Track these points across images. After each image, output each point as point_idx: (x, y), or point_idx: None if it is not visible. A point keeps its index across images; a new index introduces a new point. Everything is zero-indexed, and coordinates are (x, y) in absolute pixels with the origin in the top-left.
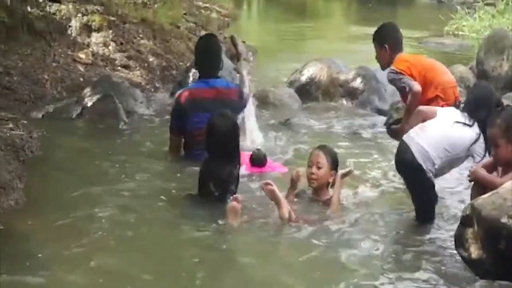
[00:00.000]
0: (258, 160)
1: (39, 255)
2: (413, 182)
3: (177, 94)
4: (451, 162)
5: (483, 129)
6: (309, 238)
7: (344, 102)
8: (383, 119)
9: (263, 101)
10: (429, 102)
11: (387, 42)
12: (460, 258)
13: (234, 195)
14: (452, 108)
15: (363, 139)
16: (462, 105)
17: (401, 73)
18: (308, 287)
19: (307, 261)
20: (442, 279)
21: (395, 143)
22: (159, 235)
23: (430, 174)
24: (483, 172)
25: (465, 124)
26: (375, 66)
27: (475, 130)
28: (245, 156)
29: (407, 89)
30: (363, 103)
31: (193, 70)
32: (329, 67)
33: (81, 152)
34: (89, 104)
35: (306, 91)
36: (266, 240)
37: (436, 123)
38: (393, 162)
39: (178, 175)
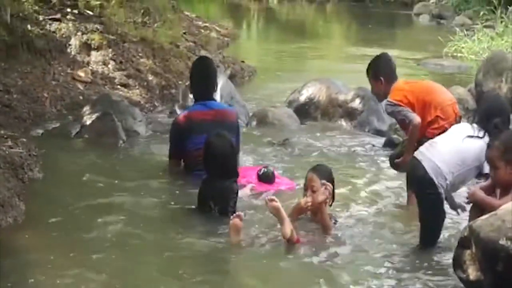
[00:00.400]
0: (266, 177)
1: (38, 273)
2: (424, 197)
3: (176, 118)
4: (463, 176)
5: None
6: (308, 258)
7: (343, 122)
8: (381, 139)
9: (262, 121)
10: (429, 124)
11: (381, 74)
12: (458, 279)
13: (237, 213)
14: (463, 124)
15: (361, 159)
16: (471, 118)
17: (398, 105)
18: None
19: (304, 281)
20: None
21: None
22: (158, 252)
23: (441, 190)
24: (481, 194)
25: (476, 137)
26: None
27: (485, 140)
28: (250, 172)
29: (407, 121)
30: (362, 123)
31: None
32: (328, 87)
33: (80, 170)
34: (88, 122)
35: (305, 111)
36: (265, 260)
37: (446, 139)
38: (389, 182)
39: (177, 192)
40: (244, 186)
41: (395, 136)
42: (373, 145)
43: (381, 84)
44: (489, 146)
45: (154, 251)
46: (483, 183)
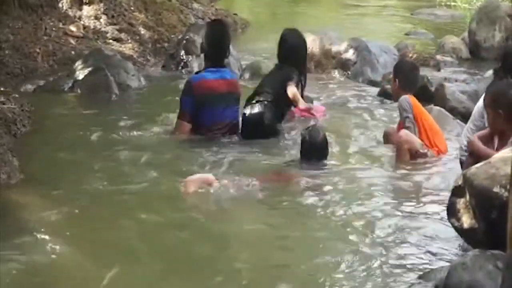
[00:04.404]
0: None
1: (32, 228)
2: None
3: (192, 83)
4: None
5: None
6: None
7: (337, 73)
8: (375, 90)
9: (255, 73)
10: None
11: (398, 77)
12: (452, 227)
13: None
14: None
15: (354, 110)
16: None
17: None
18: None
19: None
20: (435, 249)
21: (386, 113)
22: (155, 206)
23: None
24: (479, 144)
25: None
26: (367, 37)
27: None
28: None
29: (406, 125)
30: (356, 74)
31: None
32: (322, 39)
33: (73, 125)
34: (81, 77)
35: None
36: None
37: None
38: (381, 131)
39: (171, 145)
40: None
41: (388, 86)
42: (367, 96)
43: (395, 85)
44: (486, 92)
45: (149, 207)
46: (482, 131)
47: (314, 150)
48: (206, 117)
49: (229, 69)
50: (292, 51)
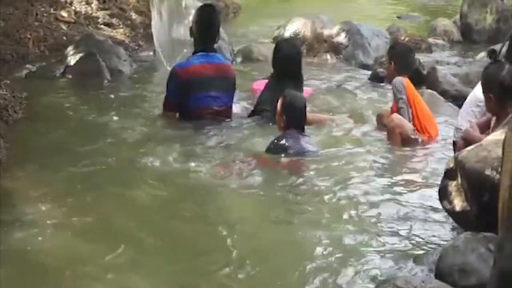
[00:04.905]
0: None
1: (23, 214)
2: None
3: (176, 69)
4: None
5: None
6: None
7: (329, 57)
8: (367, 73)
9: (247, 57)
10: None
11: (394, 60)
12: (444, 210)
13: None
14: None
15: (347, 93)
16: None
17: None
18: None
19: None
20: (427, 232)
21: (379, 96)
22: (147, 190)
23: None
24: (474, 133)
25: None
26: (359, 20)
27: None
28: None
29: (399, 106)
30: (347, 58)
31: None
32: (313, 23)
33: (65, 111)
34: (72, 62)
35: None
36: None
37: None
38: (374, 114)
39: (163, 131)
40: None
41: (380, 69)
42: (359, 79)
43: (391, 68)
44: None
45: (140, 191)
46: (481, 118)
47: (292, 113)
48: (193, 103)
49: (221, 54)
50: (285, 61)
